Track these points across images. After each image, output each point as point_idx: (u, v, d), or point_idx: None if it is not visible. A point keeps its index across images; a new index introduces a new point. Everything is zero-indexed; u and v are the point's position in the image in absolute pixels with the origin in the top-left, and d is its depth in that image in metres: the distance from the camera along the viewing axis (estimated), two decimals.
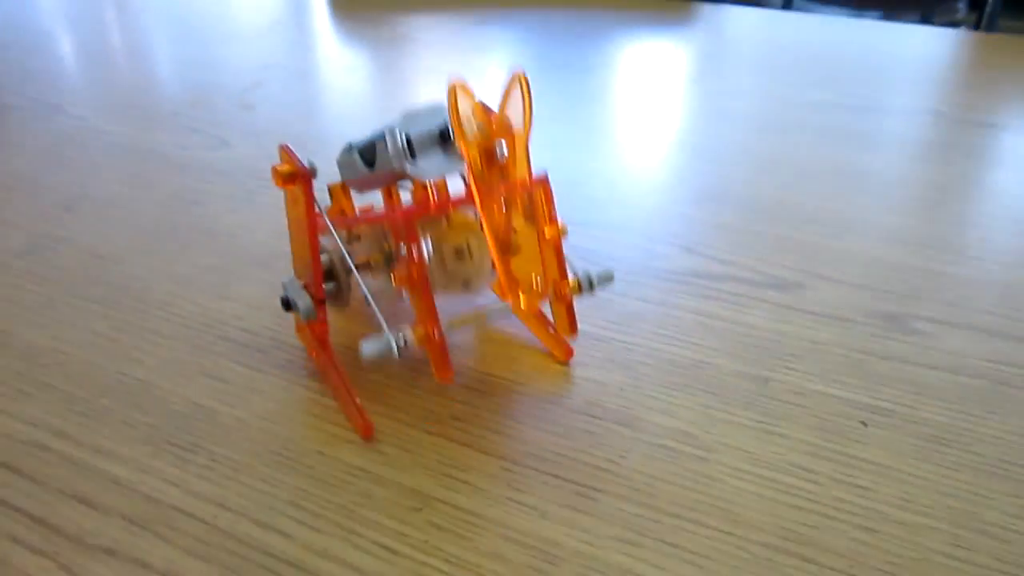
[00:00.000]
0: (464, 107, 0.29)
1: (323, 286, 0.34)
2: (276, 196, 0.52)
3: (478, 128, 0.30)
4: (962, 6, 2.37)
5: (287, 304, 0.35)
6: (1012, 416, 0.33)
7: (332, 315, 0.38)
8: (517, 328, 0.38)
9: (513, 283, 0.30)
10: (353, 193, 0.39)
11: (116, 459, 0.31)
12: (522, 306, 0.31)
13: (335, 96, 0.72)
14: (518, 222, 0.31)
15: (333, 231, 0.33)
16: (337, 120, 0.66)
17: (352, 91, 0.72)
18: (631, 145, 0.60)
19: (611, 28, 0.89)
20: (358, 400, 0.33)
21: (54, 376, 0.36)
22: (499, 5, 0.95)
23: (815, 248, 0.46)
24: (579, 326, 0.34)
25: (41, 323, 0.39)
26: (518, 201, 0.31)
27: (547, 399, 0.34)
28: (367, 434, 0.32)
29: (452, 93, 0.29)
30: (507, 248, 0.30)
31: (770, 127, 0.63)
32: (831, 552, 0.28)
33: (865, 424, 0.33)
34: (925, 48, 0.84)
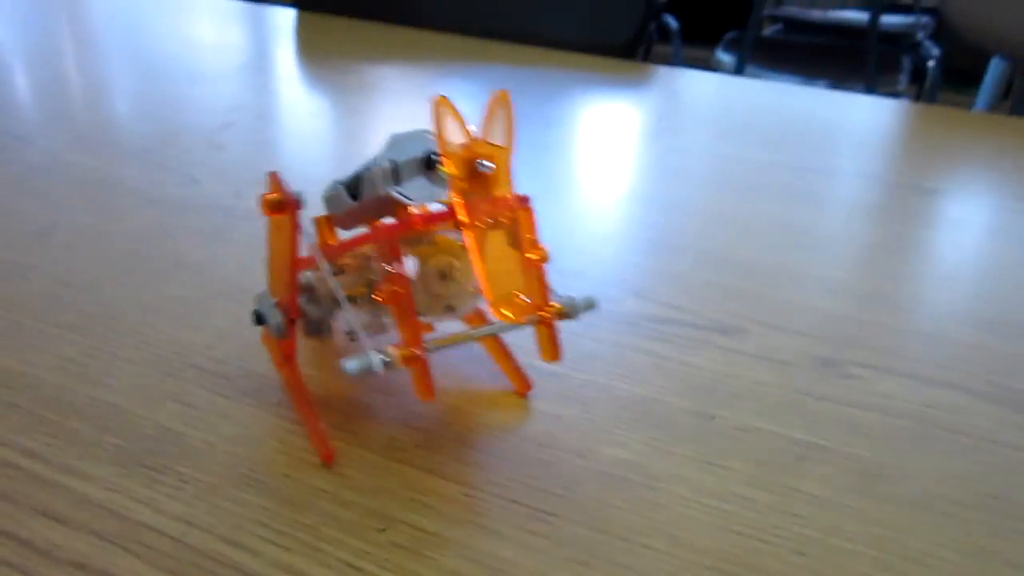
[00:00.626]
0: (447, 123, 0.30)
1: (304, 318, 0.35)
2: (244, 233, 0.53)
3: (462, 144, 0.30)
4: (903, 78, 2.49)
5: (259, 318, 0.36)
6: (936, 454, 0.36)
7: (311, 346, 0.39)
8: (475, 362, 0.40)
9: (499, 299, 0.31)
10: (338, 232, 0.40)
11: (85, 478, 0.32)
12: (509, 318, 0.31)
13: (302, 139, 0.73)
14: (499, 244, 0.31)
15: (323, 263, 0.33)
16: (305, 162, 0.67)
17: (318, 134, 0.74)
18: (586, 197, 0.63)
19: (570, 86, 0.92)
20: (321, 425, 0.34)
21: (22, 398, 0.37)
22: (464, 60, 0.98)
23: (759, 297, 0.48)
24: (533, 363, 0.36)
25: (9, 347, 0.40)
26: (502, 220, 0.31)
27: (506, 429, 0.36)
28: (327, 460, 0.34)
29: (436, 108, 0.30)
30: (490, 268, 0.31)
31: (720, 184, 0.67)
32: (765, 572, 0.30)
33: (803, 459, 0.35)
34: (867, 116, 0.89)
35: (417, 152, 0.33)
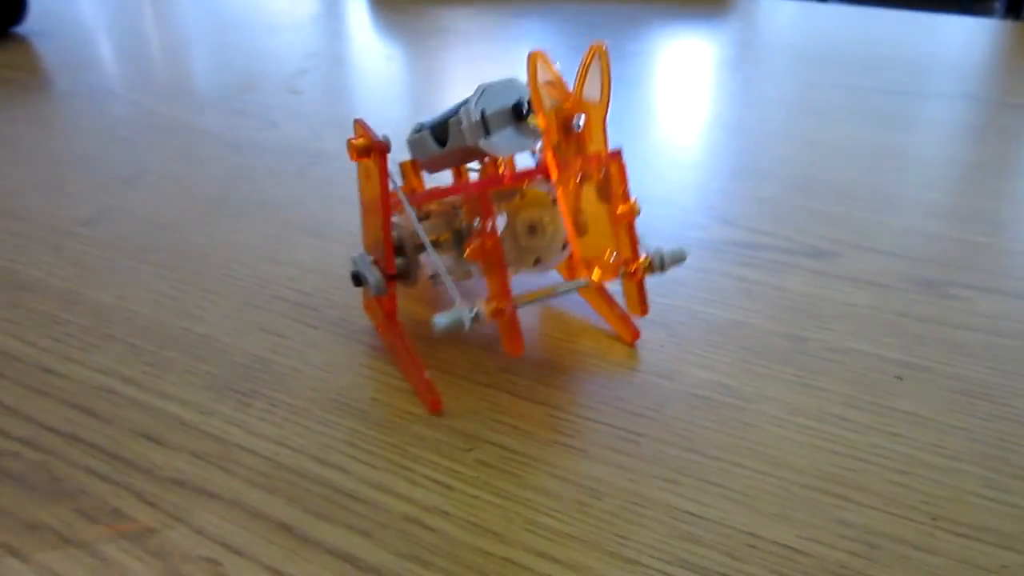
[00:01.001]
0: (543, 78, 0.29)
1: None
2: (325, 171, 0.54)
3: (556, 101, 0.30)
4: (999, 6, 2.35)
5: (357, 279, 0.35)
6: None
7: (399, 294, 0.39)
8: (581, 308, 0.39)
9: (588, 256, 0.31)
10: (424, 174, 0.39)
11: (181, 403, 0.33)
12: (595, 279, 0.31)
13: (377, 83, 0.73)
14: (590, 198, 0.31)
15: (407, 205, 0.33)
16: (381, 104, 0.67)
17: (392, 78, 0.74)
18: (668, 125, 0.61)
19: (647, 20, 0.90)
20: (427, 375, 0.33)
21: (120, 330, 0.38)
22: (537, 1, 0.97)
23: (852, 221, 0.46)
24: (615, 288, 0.35)
25: (106, 284, 0.41)
26: (593, 176, 0.31)
27: (591, 354, 0.36)
28: (435, 409, 0.33)
29: (532, 62, 0.29)
30: (580, 223, 0.31)
31: (806, 109, 0.64)
32: (868, 491, 0.29)
33: (900, 378, 0.34)
34: (959, 37, 0.84)
35: (507, 102, 0.32)
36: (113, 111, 0.65)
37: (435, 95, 0.69)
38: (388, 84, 0.73)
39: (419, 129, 0.36)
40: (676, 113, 0.64)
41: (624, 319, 0.37)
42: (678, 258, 0.34)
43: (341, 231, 0.46)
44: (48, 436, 0.32)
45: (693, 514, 0.28)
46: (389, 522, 0.28)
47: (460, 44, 0.82)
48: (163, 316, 0.39)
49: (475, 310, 0.30)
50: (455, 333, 0.32)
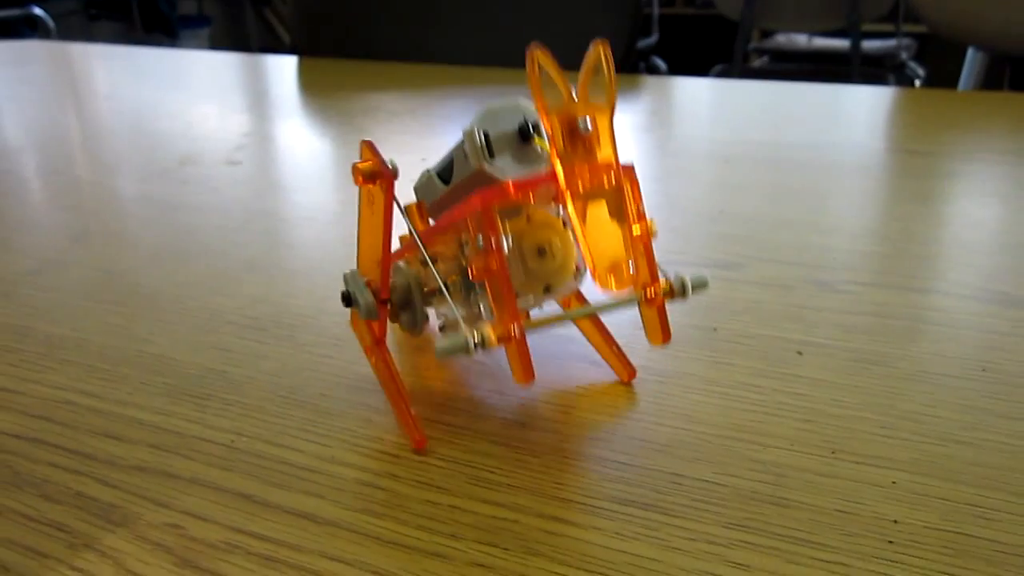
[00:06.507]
0: (544, 79, 0.27)
1: (398, 313, 0.34)
2: (268, 224, 0.56)
3: (560, 103, 0.28)
4: (892, 78, 2.54)
5: (347, 299, 0.34)
6: (928, 342, 0.38)
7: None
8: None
9: (603, 268, 0.29)
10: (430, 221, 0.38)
11: (139, 408, 0.35)
12: (613, 288, 0.29)
13: (311, 153, 0.77)
14: (601, 217, 0.29)
15: (414, 233, 0.32)
16: (321, 169, 0.71)
17: (326, 149, 0.78)
18: None
19: None
20: (413, 411, 0.32)
21: (74, 355, 0.39)
22: (461, 85, 1.03)
23: (754, 240, 0.51)
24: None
25: (57, 320, 0.43)
26: (603, 187, 0.29)
27: None
28: (419, 447, 0.32)
29: (532, 60, 0.27)
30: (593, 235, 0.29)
31: (713, 158, 0.70)
32: (776, 436, 0.32)
33: (801, 353, 0.38)
34: (855, 101, 0.92)
35: (511, 125, 0.31)
36: (54, 184, 0.67)
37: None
38: (323, 154, 0.77)
39: (426, 173, 0.36)
40: None
41: (620, 356, 0.36)
42: (701, 283, 0.32)
43: (287, 271, 0.49)
44: (9, 440, 0.33)
45: (622, 463, 0.31)
46: (343, 486, 0.30)
47: (390, 121, 0.87)
48: (117, 342, 0.41)
49: (479, 334, 0.28)
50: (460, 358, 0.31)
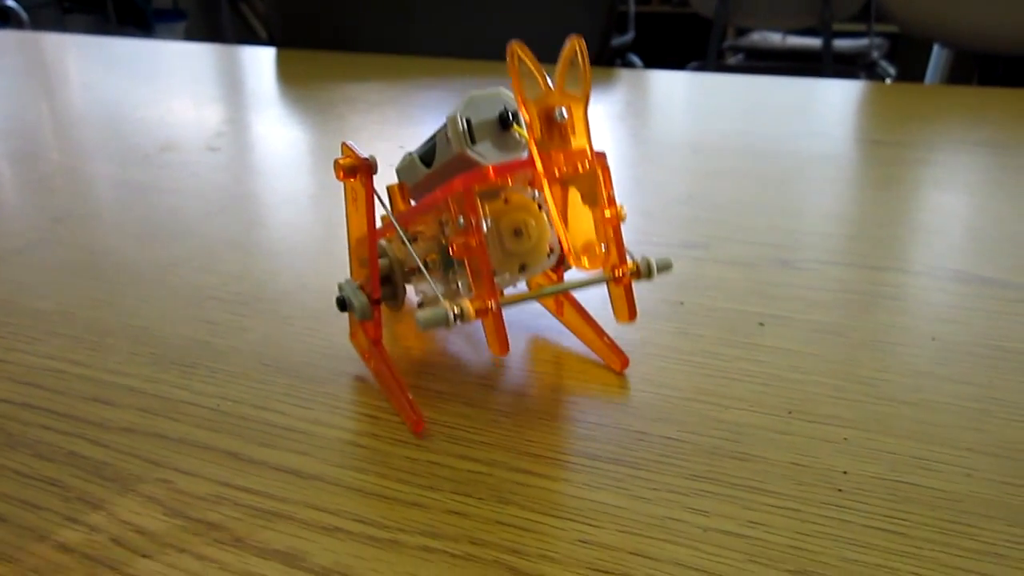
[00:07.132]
0: (523, 71, 0.29)
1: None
2: (249, 206, 0.57)
3: (538, 93, 0.30)
4: (863, 74, 2.58)
5: (343, 304, 0.35)
6: (881, 314, 0.40)
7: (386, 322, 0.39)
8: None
9: (576, 246, 0.31)
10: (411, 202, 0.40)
11: (127, 375, 0.36)
12: (586, 266, 0.31)
13: (290, 140, 0.78)
14: (575, 201, 0.31)
15: (394, 221, 0.33)
16: (300, 156, 0.72)
17: (303, 137, 0.79)
18: None
19: None
20: (410, 396, 0.33)
21: (61, 328, 0.41)
22: (440, 77, 1.04)
23: (721, 223, 0.53)
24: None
25: (43, 295, 0.44)
26: (577, 173, 0.31)
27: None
28: (418, 428, 0.32)
29: (512, 53, 0.29)
30: (566, 217, 0.31)
31: (683, 146, 0.72)
32: (736, 399, 0.34)
33: (763, 324, 0.40)
34: (823, 95, 0.95)
35: (492, 113, 0.32)
36: (34, 169, 0.68)
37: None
38: (301, 141, 0.78)
39: (408, 155, 0.37)
40: None
41: (612, 347, 0.37)
42: (666, 265, 0.34)
43: (267, 250, 0.50)
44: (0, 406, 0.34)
45: (591, 422, 0.32)
46: (326, 444, 0.31)
47: (368, 111, 0.88)
48: (103, 315, 0.42)
49: (458, 307, 0.30)
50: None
